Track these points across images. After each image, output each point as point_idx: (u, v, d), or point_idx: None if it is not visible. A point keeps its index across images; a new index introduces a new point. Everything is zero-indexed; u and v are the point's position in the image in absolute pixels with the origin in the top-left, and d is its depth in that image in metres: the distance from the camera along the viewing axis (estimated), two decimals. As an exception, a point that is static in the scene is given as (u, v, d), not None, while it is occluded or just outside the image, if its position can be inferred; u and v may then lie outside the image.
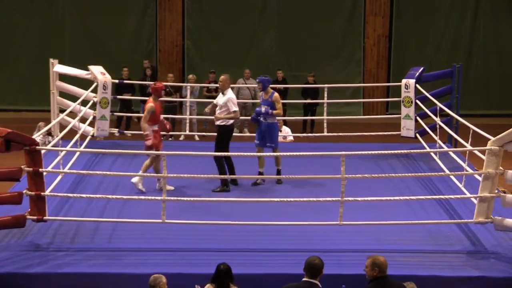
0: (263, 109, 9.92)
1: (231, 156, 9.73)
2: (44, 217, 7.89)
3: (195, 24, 18.86)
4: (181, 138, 14.80)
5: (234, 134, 15.04)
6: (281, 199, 8.39)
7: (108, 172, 9.42)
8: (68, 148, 10.05)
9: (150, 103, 9.78)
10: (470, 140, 9.52)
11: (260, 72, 17.98)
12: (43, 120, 12.90)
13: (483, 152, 8.12)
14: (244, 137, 15.17)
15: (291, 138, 13.78)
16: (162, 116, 10.16)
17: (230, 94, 9.89)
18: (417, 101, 12.15)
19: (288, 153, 8.50)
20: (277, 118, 10.28)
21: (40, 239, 8.09)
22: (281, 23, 18.86)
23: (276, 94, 10.08)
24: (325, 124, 13.14)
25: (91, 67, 12.74)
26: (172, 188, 9.61)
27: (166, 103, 15.50)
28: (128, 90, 15.22)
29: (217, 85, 15.64)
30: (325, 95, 13.50)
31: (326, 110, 13.28)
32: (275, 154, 9.79)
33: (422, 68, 12.53)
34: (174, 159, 9.43)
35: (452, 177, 9.64)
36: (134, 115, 15.28)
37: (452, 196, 8.97)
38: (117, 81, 14.03)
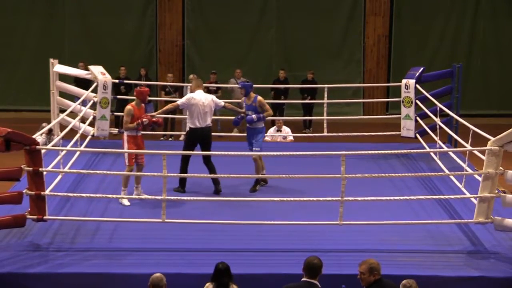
0: (254, 117, 9.74)
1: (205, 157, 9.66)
2: (44, 217, 7.89)
3: (195, 24, 18.86)
4: (181, 138, 14.79)
5: (235, 134, 15.31)
6: (281, 198, 8.39)
7: (108, 172, 9.42)
8: (68, 147, 10.06)
9: (129, 106, 9.33)
10: (470, 140, 9.52)
11: (260, 72, 18.19)
12: (44, 120, 12.90)
13: (483, 152, 8.12)
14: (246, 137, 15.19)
15: (291, 138, 13.79)
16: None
17: (192, 93, 9.78)
18: (417, 101, 12.16)
19: (288, 153, 8.50)
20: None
21: (40, 239, 8.09)
22: (281, 23, 18.86)
23: (259, 98, 9.91)
24: (325, 124, 13.14)
25: (91, 67, 12.74)
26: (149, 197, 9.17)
27: (166, 103, 15.49)
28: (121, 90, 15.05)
29: (218, 85, 15.81)
30: (325, 95, 13.50)
31: (326, 110, 13.29)
32: (259, 154, 9.68)
33: (422, 68, 12.53)
34: (174, 159, 9.42)
35: (452, 177, 9.64)
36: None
37: (452, 196, 8.98)
38: (117, 80, 14.04)
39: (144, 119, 9.22)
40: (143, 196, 9.10)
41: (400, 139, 12.69)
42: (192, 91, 9.82)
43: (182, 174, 9.37)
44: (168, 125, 15.37)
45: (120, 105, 15.07)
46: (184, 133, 14.07)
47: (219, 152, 8.80)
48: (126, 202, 9.16)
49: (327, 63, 18.72)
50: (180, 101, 9.75)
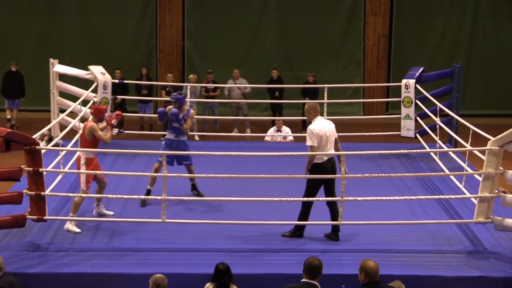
0: (181, 115, 9.42)
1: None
2: (44, 217, 7.90)
3: (195, 24, 18.85)
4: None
5: (235, 134, 15.31)
6: (281, 199, 8.38)
7: (108, 172, 9.41)
8: (68, 148, 10.06)
9: (92, 123, 8.66)
10: (470, 140, 9.53)
11: (260, 72, 18.17)
12: (43, 120, 12.90)
13: (483, 152, 8.12)
14: (246, 137, 15.19)
15: (291, 138, 13.79)
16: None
17: (312, 124, 8.31)
18: (417, 101, 12.17)
19: (288, 153, 8.50)
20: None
21: (40, 239, 8.10)
22: (281, 23, 18.85)
23: (192, 111, 9.71)
24: (325, 124, 13.12)
25: (91, 67, 12.75)
26: (111, 213, 8.94)
27: (166, 103, 15.51)
28: (122, 91, 15.03)
29: (216, 85, 15.81)
30: (325, 95, 13.51)
31: (326, 110, 13.29)
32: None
33: (422, 68, 12.54)
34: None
35: (452, 177, 9.64)
36: (128, 115, 15.09)
37: (452, 196, 8.98)
38: (117, 81, 14.03)
39: (113, 121, 8.87)
40: (107, 213, 8.86)
41: (400, 139, 12.70)
42: (311, 120, 8.43)
43: (181, 175, 9.31)
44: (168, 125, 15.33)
45: (116, 106, 15.05)
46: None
47: (219, 153, 8.79)
48: (76, 229, 8.40)
49: (327, 63, 18.71)
50: (310, 142, 8.16)
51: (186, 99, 9.78)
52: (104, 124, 8.94)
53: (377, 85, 18.16)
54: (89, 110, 12.09)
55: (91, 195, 8.64)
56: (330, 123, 8.45)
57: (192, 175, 9.48)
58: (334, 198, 8.03)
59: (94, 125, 8.63)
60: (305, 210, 8.30)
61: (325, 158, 8.20)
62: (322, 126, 8.27)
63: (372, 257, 6.24)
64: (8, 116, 16.71)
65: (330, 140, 8.27)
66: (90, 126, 8.62)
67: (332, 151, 8.27)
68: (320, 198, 8.23)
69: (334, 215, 8.22)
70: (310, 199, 8.26)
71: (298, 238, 8.27)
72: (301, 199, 8.31)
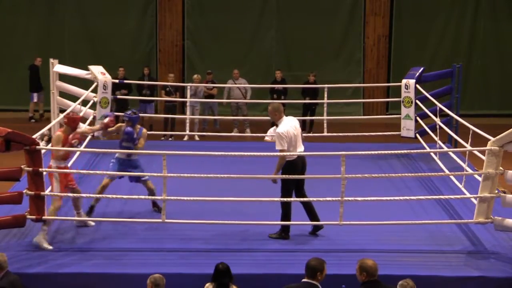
0: (135, 134, 9.18)
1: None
2: (44, 217, 7.89)
3: (195, 24, 18.86)
4: (185, 139, 14.70)
5: (235, 134, 15.31)
6: (281, 199, 8.38)
7: (108, 172, 9.41)
8: (67, 148, 10.03)
9: (59, 133, 8.43)
10: (470, 140, 9.53)
11: (260, 72, 18.18)
12: (43, 120, 12.91)
13: (483, 152, 8.12)
14: (246, 137, 15.19)
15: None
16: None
17: (280, 126, 8.35)
18: (417, 101, 12.17)
19: (288, 153, 8.49)
20: None
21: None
22: (281, 23, 18.86)
23: (144, 131, 9.42)
24: (325, 124, 13.15)
25: (91, 67, 12.75)
26: (92, 224, 8.66)
27: (166, 103, 15.53)
28: (124, 89, 15.04)
29: (214, 85, 15.81)
30: (325, 95, 13.51)
31: (326, 110, 13.29)
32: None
33: (422, 68, 12.54)
34: (174, 159, 9.39)
35: (452, 177, 9.64)
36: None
37: (452, 196, 8.99)
38: (117, 80, 14.03)
39: (73, 141, 8.45)
40: (89, 223, 8.62)
41: (400, 139, 12.70)
42: (276, 121, 8.48)
43: (181, 175, 9.28)
44: (168, 125, 15.36)
45: (120, 105, 15.07)
46: (187, 133, 14.13)
47: (219, 153, 8.78)
48: (48, 245, 7.94)
49: (327, 63, 18.72)
50: (280, 147, 8.23)
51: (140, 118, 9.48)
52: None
53: (377, 85, 18.17)
54: (89, 110, 12.13)
55: (76, 194, 8.57)
56: (294, 120, 8.50)
57: (152, 197, 9.07)
58: (334, 199, 8.02)
59: (59, 135, 8.38)
60: (286, 211, 8.32)
61: (295, 156, 8.29)
62: (290, 126, 8.35)
63: (372, 257, 6.25)
64: (40, 111, 17.49)
65: (299, 138, 8.41)
66: (56, 136, 8.43)
67: (302, 148, 8.40)
68: (321, 198, 8.22)
69: (311, 212, 8.31)
70: (308, 199, 8.29)
71: (285, 240, 8.26)
72: (301, 199, 8.32)
